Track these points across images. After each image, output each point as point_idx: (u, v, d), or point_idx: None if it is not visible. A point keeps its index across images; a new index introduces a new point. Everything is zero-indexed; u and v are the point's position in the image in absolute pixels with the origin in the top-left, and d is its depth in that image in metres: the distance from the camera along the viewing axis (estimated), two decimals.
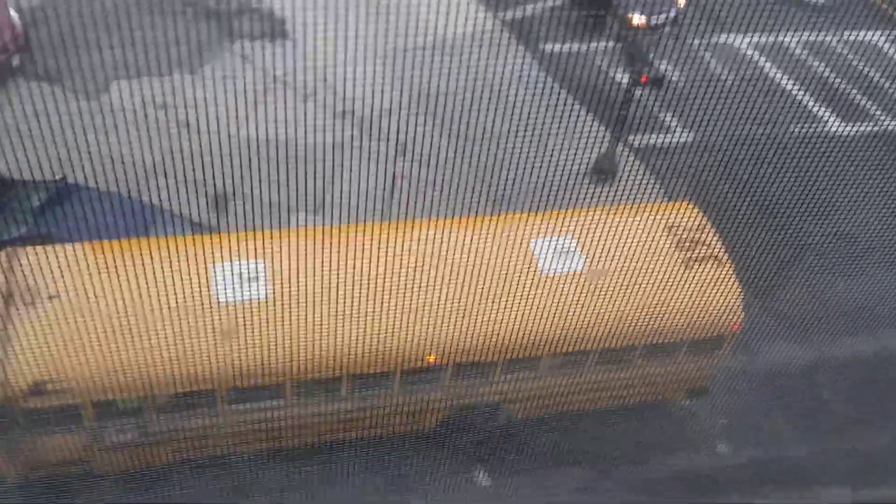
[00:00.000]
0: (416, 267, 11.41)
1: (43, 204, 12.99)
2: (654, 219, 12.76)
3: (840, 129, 19.74)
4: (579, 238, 12.18)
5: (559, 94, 19.37)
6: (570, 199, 16.25)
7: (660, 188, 17.20)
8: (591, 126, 18.49)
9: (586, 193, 16.90)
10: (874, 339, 15.12)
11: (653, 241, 12.40)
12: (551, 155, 17.54)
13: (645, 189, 17.19)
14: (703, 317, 12.14)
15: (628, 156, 17.95)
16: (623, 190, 17.18)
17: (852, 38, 22.42)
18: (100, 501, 11.32)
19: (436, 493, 12.20)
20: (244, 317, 10.80)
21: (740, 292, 12.16)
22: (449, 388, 11.94)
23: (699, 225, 12.75)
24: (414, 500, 12.09)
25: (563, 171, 17.31)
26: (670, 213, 12.96)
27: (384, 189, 15.28)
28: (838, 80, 21.12)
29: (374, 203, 15.34)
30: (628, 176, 17.53)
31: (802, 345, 14.97)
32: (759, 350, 14.62)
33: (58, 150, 15.31)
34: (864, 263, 15.62)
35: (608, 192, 17.05)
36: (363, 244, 11.32)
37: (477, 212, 15.22)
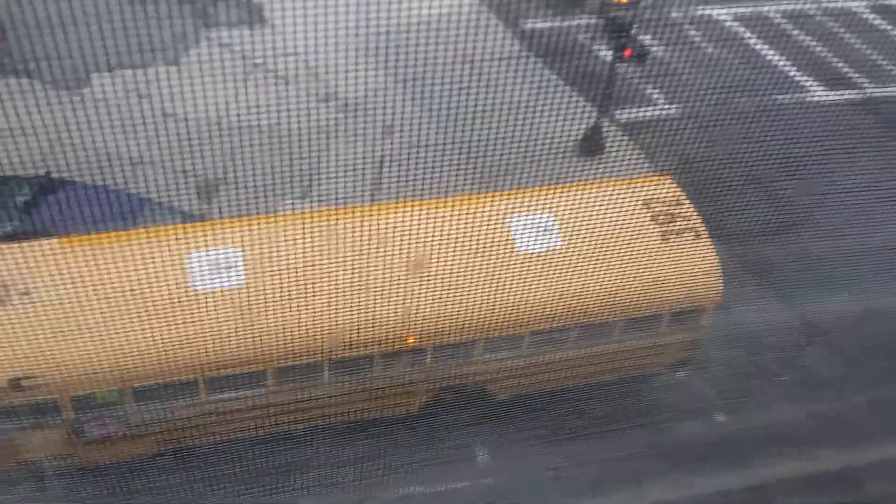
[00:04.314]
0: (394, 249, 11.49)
1: (28, 200, 12.90)
2: (631, 193, 12.79)
3: (823, 98, 19.79)
4: (557, 214, 12.19)
5: (543, 71, 19.40)
6: (557, 175, 16.32)
7: (646, 161, 17.22)
8: (577, 102, 18.51)
9: (573, 169, 16.91)
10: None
11: (630, 215, 12.43)
12: (537, 132, 17.58)
13: (630, 163, 17.22)
14: (683, 290, 12.19)
15: (615, 131, 17.94)
16: (610, 164, 17.19)
17: (833, 6, 22.45)
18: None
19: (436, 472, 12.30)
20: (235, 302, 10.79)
21: (719, 264, 12.20)
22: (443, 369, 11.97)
23: (676, 198, 12.77)
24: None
25: (549, 147, 17.38)
26: (647, 187, 12.98)
27: (371, 171, 15.24)
28: (820, 48, 21.15)
29: (362, 185, 15.30)
30: (615, 150, 17.54)
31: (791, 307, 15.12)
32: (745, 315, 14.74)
33: (40, 145, 15.25)
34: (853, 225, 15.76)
35: (595, 167, 17.06)
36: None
37: (462, 191, 15.21)
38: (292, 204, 15.44)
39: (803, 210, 16.79)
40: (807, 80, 20.04)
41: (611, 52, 16.66)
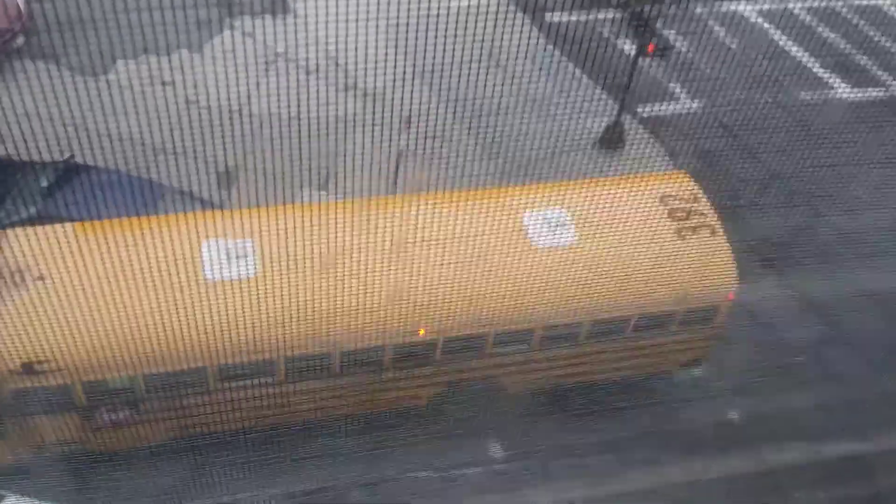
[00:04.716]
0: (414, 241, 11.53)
1: (51, 185, 13.04)
2: (648, 189, 12.74)
3: (849, 95, 19.58)
4: (572, 209, 12.17)
5: (565, 65, 19.33)
6: (577, 170, 16.27)
7: (665, 157, 17.14)
8: (598, 97, 18.43)
9: (592, 164, 16.85)
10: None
11: (646, 211, 12.39)
12: (557, 126, 17.52)
13: (650, 158, 17.14)
14: (697, 287, 12.13)
15: (636, 126, 17.86)
16: (629, 160, 17.12)
17: (860, 3, 22.18)
18: None
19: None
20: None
21: (735, 262, 12.13)
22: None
23: (693, 195, 12.70)
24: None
25: (569, 142, 17.32)
26: (664, 183, 12.93)
27: (389, 163, 15.26)
28: (846, 45, 20.91)
29: (381, 176, 15.33)
30: (635, 146, 17.46)
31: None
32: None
33: (65, 130, 15.40)
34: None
35: (615, 162, 16.99)
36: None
37: (483, 184, 15.22)
38: (311, 195, 15.51)
39: (825, 207, 16.67)
40: (831, 77, 19.83)
41: (634, 47, 16.58)
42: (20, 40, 16.60)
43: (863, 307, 14.92)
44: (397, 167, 14.87)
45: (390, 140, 15.93)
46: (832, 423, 13.69)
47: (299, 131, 16.29)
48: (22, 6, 16.73)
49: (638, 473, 12.85)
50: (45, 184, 12.99)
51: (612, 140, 17.28)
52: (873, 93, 19.76)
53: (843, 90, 19.63)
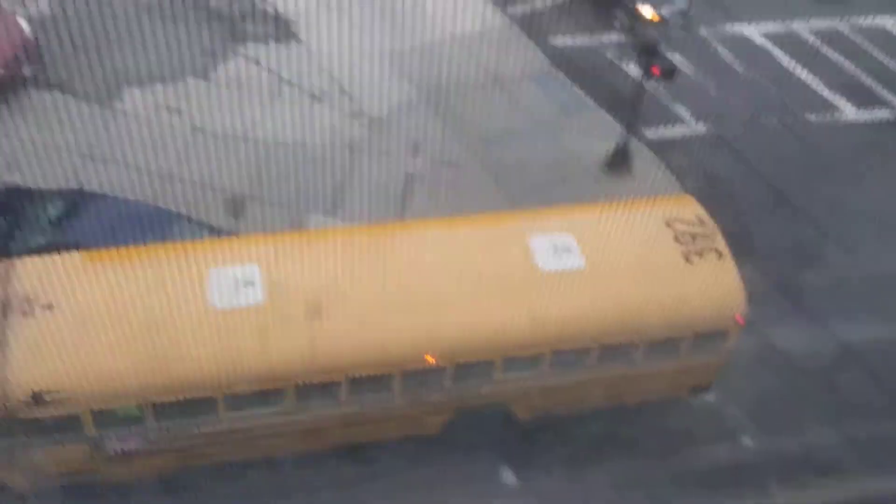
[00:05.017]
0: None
1: (61, 214, 13.03)
2: (655, 213, 12.71)
3: (855, 117, 19.59)
4: (579, 234, 12.13)
5: (570, 88, 19.39)
6: (582, 194, 16.25)
7: (672, 180, 17.12)
8: (604, 120, 18.48)
9: (599, 188, 16.83)
10: None
11: (653, 235, 12.33)
12: (563, 150, 17.53)
13: (658, 182, 17.12)
14: (705, 311, 12.08)
15: (642, 149, 17.85)
16: (636, 184, 17.10)
17: (865, 23, 22.26)
18: None
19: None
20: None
21: (742, 285, 12.06)
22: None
23: (699, 218, 12.66)
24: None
25: (575, 166, 17.33)
26: (670, 208, 12.90)
27: (398, 188, 15.24)
28: (851, 66, 20.95)
29: (389, 202, 15.31)
30: (641, 169, 17.43)
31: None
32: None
33: (73, 159, 15.43)
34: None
35: (621, 186, 16.97)
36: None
37: (490, 208, 15.17)
38: (319, 220, 15.50)
39: (833, 230, 16.63)
40: (838, 99, 19.86)
41: (639, 70, 16.60)
42: (29, 69, 16.65)
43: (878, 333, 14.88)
44: (405, 192, 14.84)
45: (398, 165, 15.97)
46: None
47: (306, 157, 16.40)
48: (29, 35, 16.80)
49: None
50: (54, 213, 12.98)
51: (618, 163, 17.26)
52: (880, 114, 19.78)
53: (849, 112, 19.65)
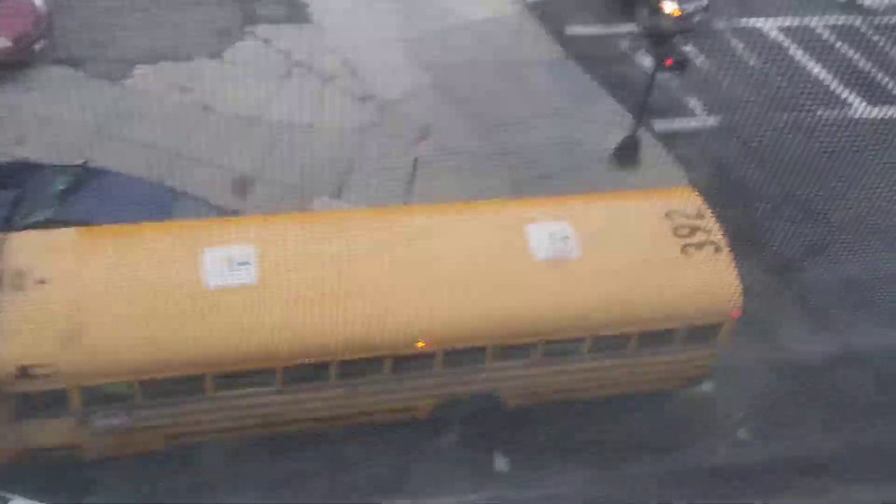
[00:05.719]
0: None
1: (66, 189, 13.07)
2: (654, 205, 12.65)
3: (866, 115, 19.40)
4: (576, 224, 12.10)
5: (582, 77, 19.30)
6: (589, 183, 16.21)
7: (682, 172, 17.05)
8: (614, 110, 18.39)
9: (606, 178, 16.77)
10: None
11: (650, 226, 12.28)
12: (572, 139, 17.47)
13: (666, 173, 17.05)
14: (700, 303, 12.03)
15: (651, 140, 17.76)
16: (644, 174, 17.03)
17: (883, 21, 22.01)
18: None
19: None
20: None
21: (738, 279, 12.00)
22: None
23: (698, 211, 12.60)
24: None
25: (584, 155, 17.27)
26: (669, 200, 12.83)
27: (406, 172, 15.25)
28: (865, 63, 20.74)
29: (396, 186, 15.31)
30: (649, 160, 17.36)
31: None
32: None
33: (82, 135, 15.49)
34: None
35: (628, 177, 16.90)
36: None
37: (493, 195, 15.15)
38: (325, 203, 15.52)
39: (840, 227, 16.51)
40: (850, 96, 19.68)
41: (652, 61, 16.51)
42: (40, 45, 16.69)
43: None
44: (411, 176, 14.84)
45: (406, 150, 15.97)
46: None
47: (315, 139, 16.39)
48: (42, 11, 16.82)
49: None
50: (59, 188, 13.02)
51: (626, 154, 17.19)
52: (891, 111, 19.59)
53: (860, 108, 19.47)
